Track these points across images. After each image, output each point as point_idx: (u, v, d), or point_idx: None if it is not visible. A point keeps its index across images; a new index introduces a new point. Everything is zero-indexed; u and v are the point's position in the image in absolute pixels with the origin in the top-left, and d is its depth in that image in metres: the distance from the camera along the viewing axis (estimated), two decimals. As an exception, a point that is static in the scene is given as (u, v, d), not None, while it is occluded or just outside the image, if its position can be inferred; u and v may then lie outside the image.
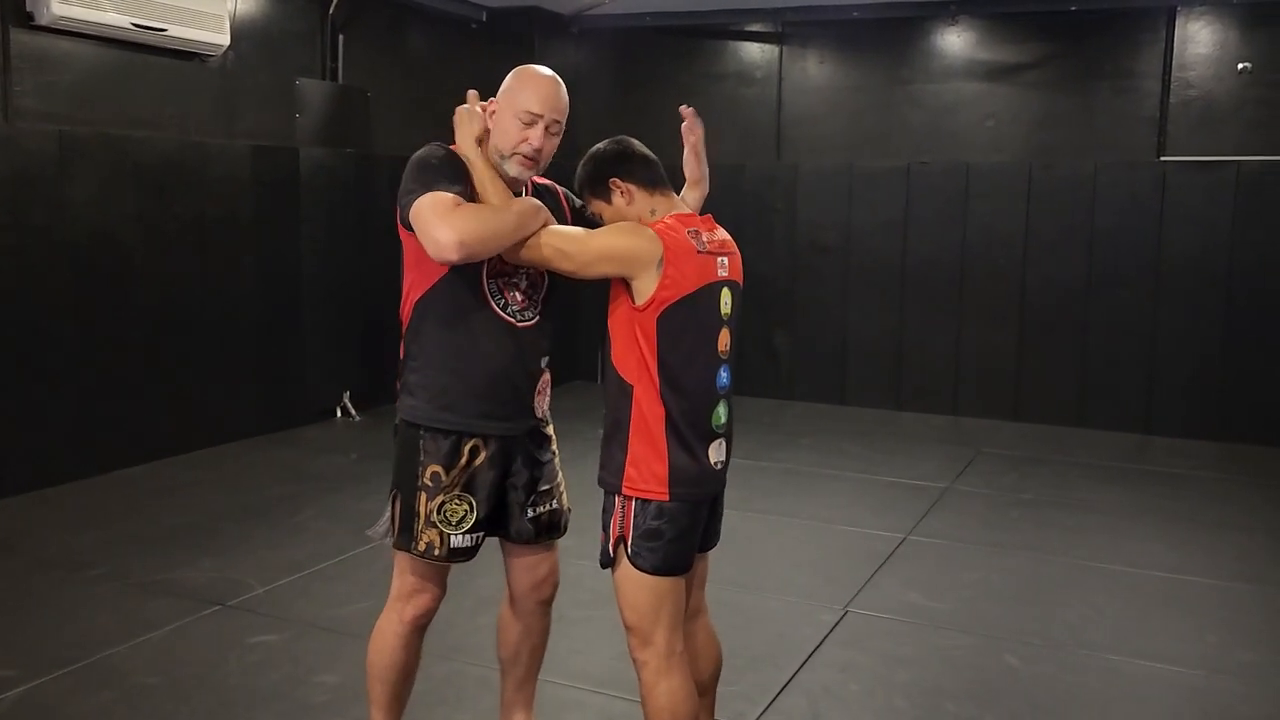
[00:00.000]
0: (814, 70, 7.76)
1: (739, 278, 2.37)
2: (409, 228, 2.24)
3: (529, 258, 2.23)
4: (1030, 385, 7.21)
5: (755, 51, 7.92)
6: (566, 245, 2.21)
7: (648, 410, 2.22)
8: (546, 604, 2.64)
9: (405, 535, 2.38)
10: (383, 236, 7.19)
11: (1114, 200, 6.91)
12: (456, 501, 2.36)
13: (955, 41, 7.35)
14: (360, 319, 7.05)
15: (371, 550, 4.38)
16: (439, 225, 2.11)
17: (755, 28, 7.91)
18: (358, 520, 4.76)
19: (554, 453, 2.56)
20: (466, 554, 2.42)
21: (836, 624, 3.72)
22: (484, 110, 2.33)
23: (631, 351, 2.22)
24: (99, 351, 5.37)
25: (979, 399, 7.34)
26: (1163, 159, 6.82)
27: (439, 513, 2.35)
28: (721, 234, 2.35)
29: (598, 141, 2.45)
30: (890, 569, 4.30)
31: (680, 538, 2.26)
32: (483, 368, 2.34)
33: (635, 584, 2.27)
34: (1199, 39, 6.73)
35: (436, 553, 2.37)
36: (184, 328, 5.83)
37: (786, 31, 7.80)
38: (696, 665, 2.49)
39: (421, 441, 2.36)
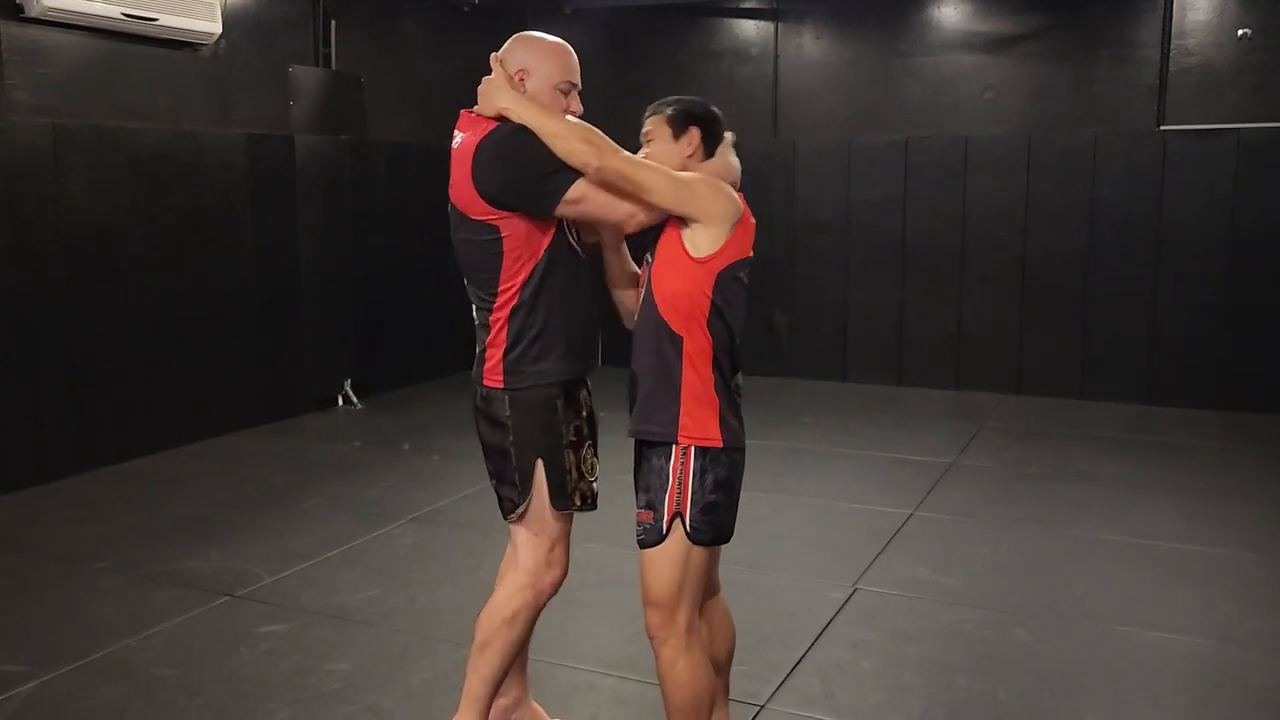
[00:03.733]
0: (810, 46, 7.71)
1: None
2: (537, 209, 2.26)
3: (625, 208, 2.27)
4: (1032, 358, 7.20)
5: (750, 28, 7.86)
6: (651, 181, 2.20)
7: (699, 360, 2.23)
8: None
9: (560, 497, 2.41)
10: (380, 222, 7.20)
11: (1114, 170, 6.87)
12: (589, 449, 2.46)
13: (952, 13, 7.30)
14: (360, 306, 7.03)
15: (377, 538, 4.38)
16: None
17: (750, 4, 7.84)
18: (363, 508, 4.77)
19: None
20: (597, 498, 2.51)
21: (846, 601, 3.71)
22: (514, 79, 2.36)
23: (682, 304, 2.22)
24: (98, 345, 5.35)
25: (981, 373, 7.33)
26: (1163, 128, 6.78)
27: (585, 464, 2.44)
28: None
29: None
30: (898, 545, 4.30)
31: (733, 505, 2.31)
32: (587, 311, 2.44)
33: (674, 559, 2.26)
34: (1198, 5, 6.67)
35: (589, 503, 2.46)
36: (182, 319, 5.81)
37: (782, 7, 7.73)
38: (714, 644, 2.50)
39: (558, 402, 2.39)
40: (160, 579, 3.92)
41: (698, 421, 2.24)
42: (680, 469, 2.25)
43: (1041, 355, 7.17)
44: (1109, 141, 6.88)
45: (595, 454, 2.47)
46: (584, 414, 2.45)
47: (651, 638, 2.33)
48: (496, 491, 2.49)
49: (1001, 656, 3.30)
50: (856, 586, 3.86)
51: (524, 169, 2.23)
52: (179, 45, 5.71)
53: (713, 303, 2.23)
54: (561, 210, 2.26)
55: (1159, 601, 3.74)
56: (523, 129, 2.25)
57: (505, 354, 2.37)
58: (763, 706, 2.97)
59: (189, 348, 5.86)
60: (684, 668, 2.28)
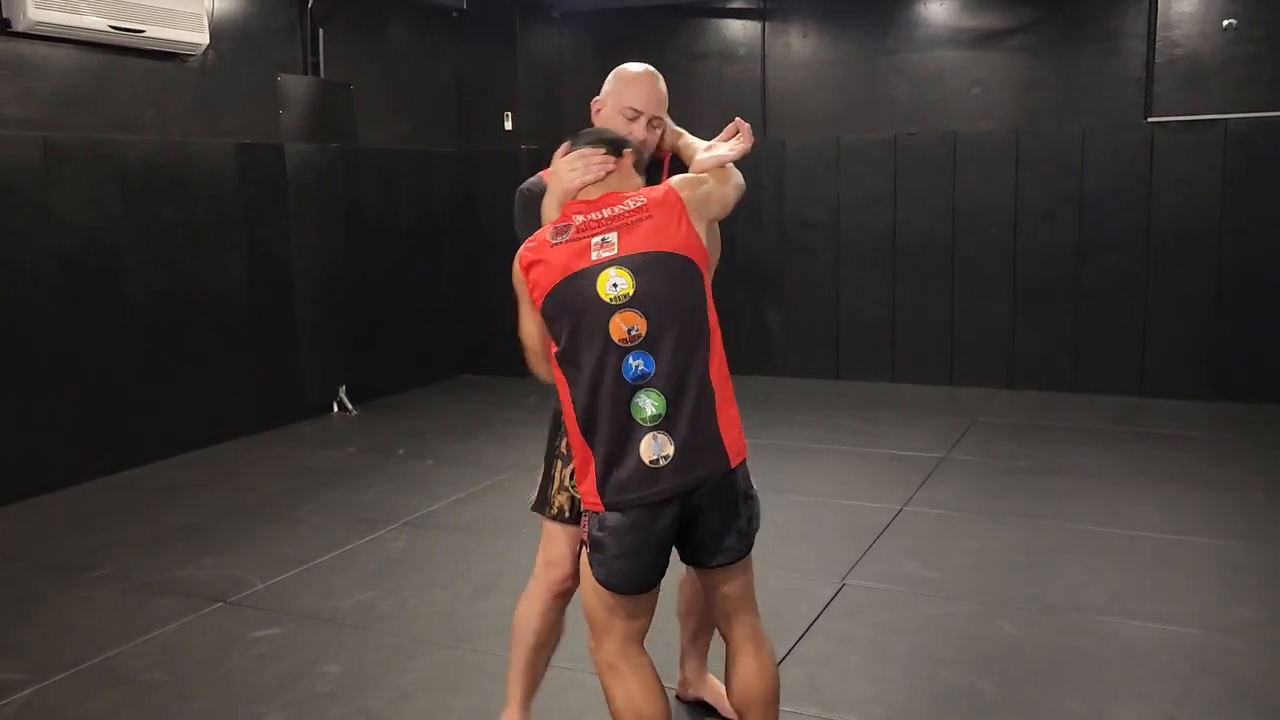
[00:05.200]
0: (797, 45, 7.73)
1: (661, 246, 2.10)
2: None
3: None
4: (1023, 352, 7.23)
5: (738, 28, 7.89)
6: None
7: (569, 421, 2.14)
8: None
9: (541, 501, 2.58)
10: (372, 229, 7.23)
11: (1102, 163, 6.89)
12: None
13: (938, 9, 7.32)
14: (354, 312, 7.07)
15: (371, 542, 4.41)
16: None
17: (737, 4, 7.87)
18: (357, 513, 4.80)
19: None
20: None
21: (834, 597, 3.74)
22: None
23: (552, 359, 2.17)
24: (93, 356, 5.39)
25: (973, 368, 7.35)
26: (1150, 120, 6.80)
27: (570, 479, 2.49)
28: (625, 205, 2.14)
29: (582, 126, 2.48)
30: (887, 540, 4.33)
31: (626, 555, 2.09)
32: None
33: (587, 587, 2.22)
34: (1182, -3, 6.70)
35: (567, 515, 2.52)
36: (176, 329, 5.84)
37: (769, 7, 7.76)
38: (732, 689, 2.31)
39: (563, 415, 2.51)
40: (155, 586, 3.96)
41: (581, 478, 2.15)
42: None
43: (1032, 349, 7.20)
44: (1097, 134, 6.90)
45: None
46: None
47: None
48: None
49: (986, 648, 3.32)
50: (845, 581, 3.88)
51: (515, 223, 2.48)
52: (167, 56, 5.74)
53: (554, 347, 2.14)
54: None
55: (1145, 591, 3.76)
56: (523, 191, 2.47)
57: None
58: (748, 702, 3.00)
59: (184, 357, 5.89)
60: (620, 694, 2.20)
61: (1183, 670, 3.15)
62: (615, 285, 2.06)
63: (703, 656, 2.95)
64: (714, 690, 2.95)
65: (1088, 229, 6.97)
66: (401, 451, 5.92)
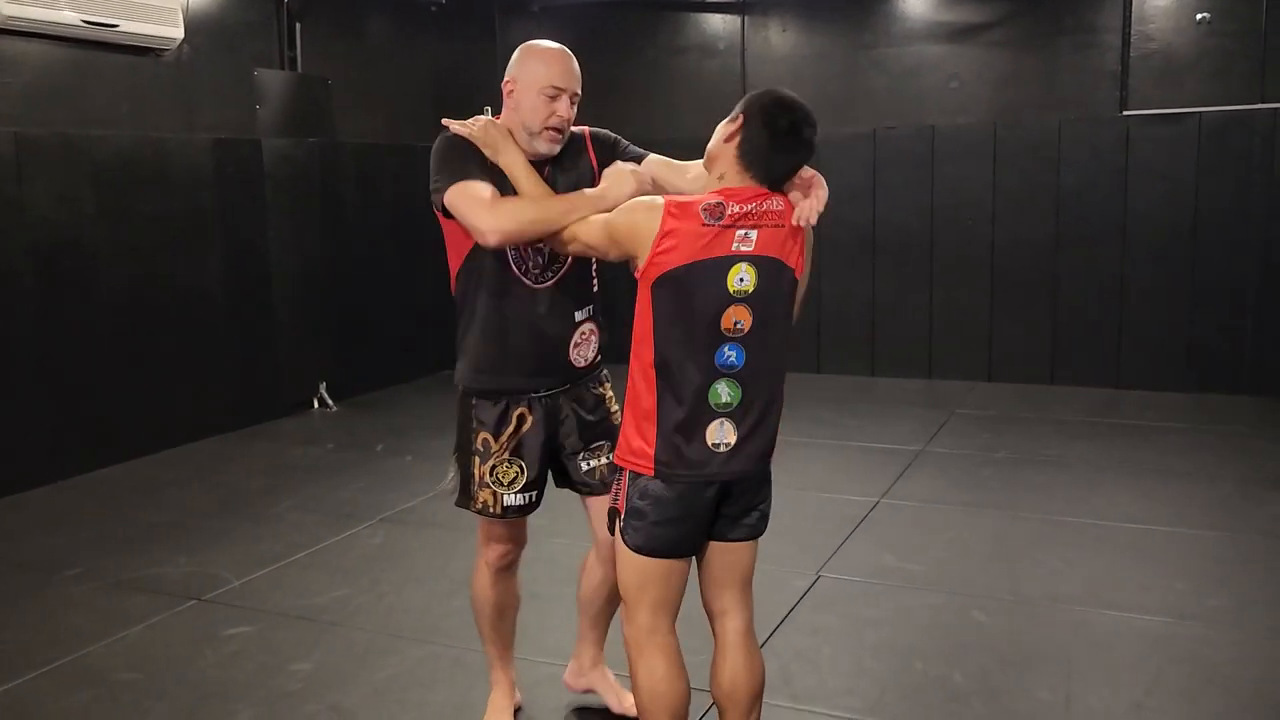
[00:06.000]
0: (776, 39, 7.74)
1: (781, 254, 2.15)
2: (444, 213, 2.41)
3: (558, 247, 2.37)
4: (1002, 345, 7.26)
5: (717, 23, 7.89)
6: (580, 229, 2.28)
7: (642, 382, 2.17)
8: None
9: (464, 495, 2.61)
10: (351, 224, 7.20)
11: (1079, 157, 6.93)
12: (507, 465, 2.55)
13: (916, 4, 7.34)
14: (333, 308, 7.04)
15: (347, 538, 4.40)
16: (477, 216, 2.30)
17: (716, -1, 7.88)
18: (334, 509, 4.79)
19: (609, 411, 2.65)
20: (522, 510, 2.60)
21: (809, 589, 3.76)
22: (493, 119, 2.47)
23: (638, 321, 2.17)
24: (68, 353, 5.35)
25: (953, 361, 7.38)
26: (1125, 113, 6.84)
27: (491, 475, 2.55)
28: (771, 204, 2.15)
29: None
30: (863, 533, 4.35)
31: (667, 522, 2.18)
32: (512, 330, 2.48)
33: (622, 558, 2.27)
34: (1157, -9, 6.75)
35: (492, 510, 2.57)
36: (154, 326, 5.80)
37: (748, 1, 7.77)
38: (719, 681, 2.34)
39: (474, 410, 2.55)
40: (129, 585, 3.93)
41: (634, 439, 2.18)
42: (620, 474, 2.26)
43: (1011, 342, 7.23)
44: (1073, 128, 6.94)
45: (520, 469, 2.54)
46: (509, 430, 2.53)
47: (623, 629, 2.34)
48: None
49: (959, 639, 3.34)
50: (820, 574, 3.90)
51: (431, 166, 2.41)
52: (141, 51, 5.70)
53: (654, 318, 2.13)
54: (450, 207, 2.35)
55: (1118, 582, 3.79)
56: (448, 141, 2.42)
57: (457, 339, 2.59)
58: (722, 694, 3.00)
59: (161, 354, 5.85)
60: (643, 670, 2.26)
61: (1153, 659, 3.18)
62: (742, 280, 2.13)
63: (599, 645, 2.93)
64: (607, 682, 2.93)
65: (1065, 222, 7.01)
66: (380, 447, 5.91)
